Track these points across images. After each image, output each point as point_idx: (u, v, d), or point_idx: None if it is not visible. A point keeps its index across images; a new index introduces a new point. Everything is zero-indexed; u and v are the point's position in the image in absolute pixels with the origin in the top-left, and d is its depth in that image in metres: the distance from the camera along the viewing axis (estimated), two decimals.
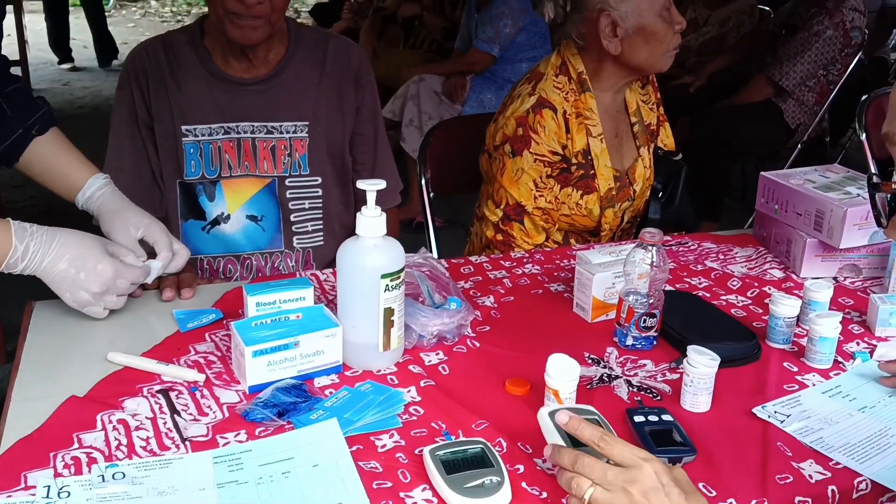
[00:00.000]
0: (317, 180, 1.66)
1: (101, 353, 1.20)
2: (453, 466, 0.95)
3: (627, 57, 1.68)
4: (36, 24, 7.74)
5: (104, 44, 7.14)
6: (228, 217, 1.65)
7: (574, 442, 0.92)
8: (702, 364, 1.10)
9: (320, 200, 1.68)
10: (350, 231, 1.73)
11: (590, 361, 1.24)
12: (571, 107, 1.71)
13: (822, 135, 4.07)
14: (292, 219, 1.68)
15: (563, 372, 1.07)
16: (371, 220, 1.16)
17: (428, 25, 4.33)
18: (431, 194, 2.14)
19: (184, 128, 1.59)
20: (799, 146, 3.79)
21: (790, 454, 1.03)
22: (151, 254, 1.36)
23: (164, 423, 1.06)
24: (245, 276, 1.68)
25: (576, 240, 1.81)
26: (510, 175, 1.70)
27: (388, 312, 1.17)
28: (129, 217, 1.35)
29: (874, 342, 1.31)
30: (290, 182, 1.65)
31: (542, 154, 1.69)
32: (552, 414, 0.96)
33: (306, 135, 1.63)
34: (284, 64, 1.62)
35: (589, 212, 1.75)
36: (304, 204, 1.68)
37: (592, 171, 1.72)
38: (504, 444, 1.03)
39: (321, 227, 1.71)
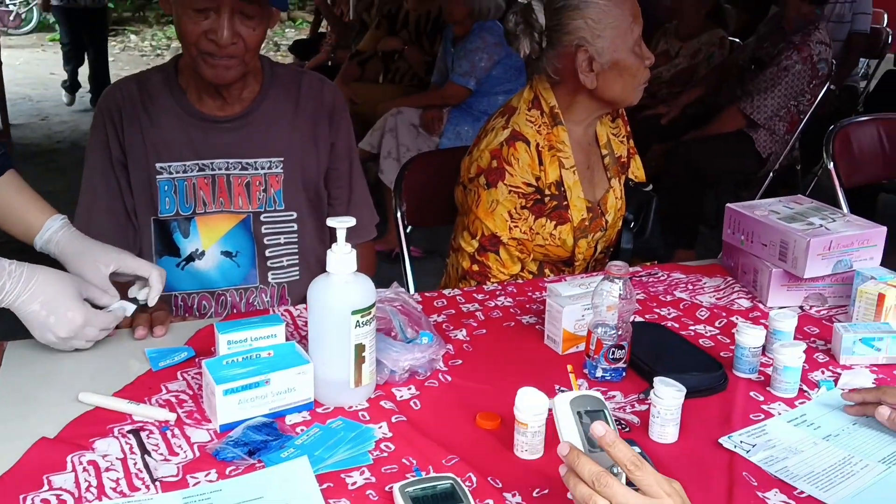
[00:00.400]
0: (292, 215, 1.68)
1: (73, 393, 1.20)
2: (423, 503, 0.96)
3: (602, 91, 1.71)
4: (15, 59, 7.75)
5: (103, 81, 6.98)
6: (203, 253, 1.66)
7: (589, 440, 0.91)
8: (668, 395, 1.11)
9: (295, 235, 1.70)
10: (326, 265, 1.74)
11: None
12: (544, 140, 1.73)
13: (794, 163, 4.15)
14: (267, 254, 1.69)
15: (531, 405, 1.08)
16: (341, 256, 1.17)
17: (410, 60, 4.39)
18: (409, 228, 2.16)
19: (158, 165, 1.60)
20: (771, 174, 3.86)
21: (755, 484, 1.05)
22: (124, 291, 1.37)
23: (135, 464, 1.06)
24: (220, 313, 1.68)
25: (550, 270, 1.83)
26: (485, 206, 1.73)
27: (360, 348, 1.18)
28: (97, 255, 1.36)
29: (839, 370, 1.33)
30: (265, 217, 1.66)
31: (517, 186, 1.71)
32: (574, 404, 0.94)
33: (281, 170, 1.65)
34: (258, 101, 1.64)
35: (563, 242, 1.77)
36: (279, 239, 1.69)
37: (566, 203, 1.75)
38: (474, 478, 1.04)
39: (297, 261, 1.72)
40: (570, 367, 1.12)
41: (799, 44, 3.59)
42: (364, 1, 5.23)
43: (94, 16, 6.88)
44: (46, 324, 1.25)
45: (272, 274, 1.70)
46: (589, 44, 1.66)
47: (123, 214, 1.63)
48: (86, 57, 7.04)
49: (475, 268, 1.75)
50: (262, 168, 1.64)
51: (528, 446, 1.09)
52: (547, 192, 1.74)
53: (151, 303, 1.38)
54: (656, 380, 1.13)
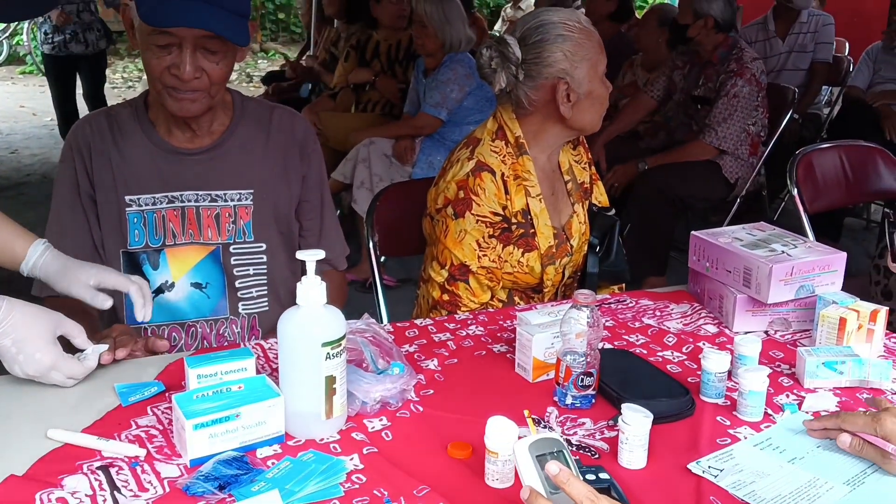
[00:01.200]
0: (261, 247, 1.68)
1: (41, 429, 1.19)
2: None
3: (574, 120, 1.76)
4: None
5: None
6: (173, 285, 1.66)
7: (549, 482, 0.94)
8: (636, 422, 1.13)
9: (265, 267, 1.70)
10: (293, 298, 1.75)
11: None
12: (509, 169, 1.76)
13: (760, 189, 4.23)
14: (237, 285, 1.69)
15: (501, 434, 1.09)
16: (311, 288, 1.18)
17: (382, 89, 4.43)
18: (382, 258, 2.17)
19: (127, 198, 1.61)
20: (738, 200, 3.93)
21: None
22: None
23: (104, 501, 1.05)
24: (190, 345, 1.68)
25: (519, 297, 1.85)
26: (453, 236, 1.75)
27: (330, 380, 1.18)
28: (77, 273, 1.39)
29: (803, 394, 1.36)
30: (234, 249, 1.67)
31: (484, 215, 1.74)
32: (533, 448, 0.98)
33: (251, 202, 1.66)
34: (228, 134, 1.66)
35: (531, 269, 1.80)
36: (248, 270, 1.69)
37: (532, 230, 1.78)
38: None
39: (266, 292, 1.72)
40: (526, 412, 1.12)
41: (737, 70, 3.71)
42: (330, 37, 5.27)
43: (90, 62, 6.08)
44: (15, 359, 1.26)
45: (242, 305, 1.70)
46: (568, 75, 1.71)
47: (90, 248, 1.63)
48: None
49: (445, 297, 1.77)
50: (232, 200, 1.65)
51: (498, 475, 1.10)
52: (514, 220, 1.76)
53: (144, 317, 1.42)
54: (624, 406, 1.15)
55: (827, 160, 2.84)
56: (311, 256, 1.19)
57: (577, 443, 1.20)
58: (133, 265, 1.64)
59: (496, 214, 1.75)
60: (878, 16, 6.13)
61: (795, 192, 2.70)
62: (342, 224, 1.89)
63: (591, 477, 1.08)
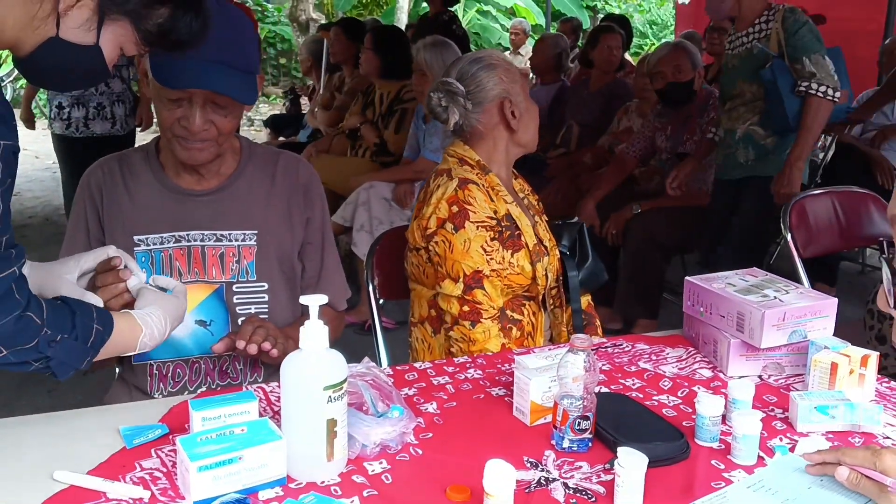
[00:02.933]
0: (263, 286, 1.72)
1: (47, 471, 1.21)
2: None
3: (521, 133, 1.97)
4: None
5: None
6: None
7: None
8: (631, 465, 1.15)
9: (266, 306, 1.73)
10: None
11: (528, 465, 1.28)
12: (485, 182, 1.91)
13: None
14: (240, 323, 1.71)
15: (499, 478, 1.11)
16: (314, 332, 1.21)
17: (364, 137, 4.52)
18: (381, 301, 2.20)
19: (136, 238, 1.66)
20: None
21: None
22: None
23: None
24: (194, 381, 1.71)
25: (512, 309, 1.91)
26: (459, 248, 1.84)
27: (332, 423, 1.20)
28: (59, 272, 1.36)
29: (796, 437, 1.38)
30: (237, 287, 1.70)
31: (482, 220, 1.86)
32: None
33: (255, 243, 1.71)
34: (235, 177, 1.72)
35: (521, 268, 1.90)
36: (250, 309, 1.72)
37: (518, 231, 1.92)
38: None
39: None
40: None
41: (716, 116, 3.78)
42: (334, 82, 5.37)
43: (116, 146, 4.61)
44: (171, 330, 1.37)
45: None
46: (509, 94, 1.93)
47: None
48: None
49: (465, 308, 1.83)
50: (236, 240, 1.70)
51: None
52: (503, 223, 1.90)
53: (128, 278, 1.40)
54: (620, 450, 1.17)
55: (820, 206, 2.89)
56: (314, 301, 1.22)
57: (574, 486, 1.22)
58: None
59: (491, 219, 1.87)
60: (870, 61, 6.25)
61: (789, 236, 2.74)
62: (342, 267, 1.92)
63: None
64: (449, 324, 1.86)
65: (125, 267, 1.40)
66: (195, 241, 1.68)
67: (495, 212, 1.89)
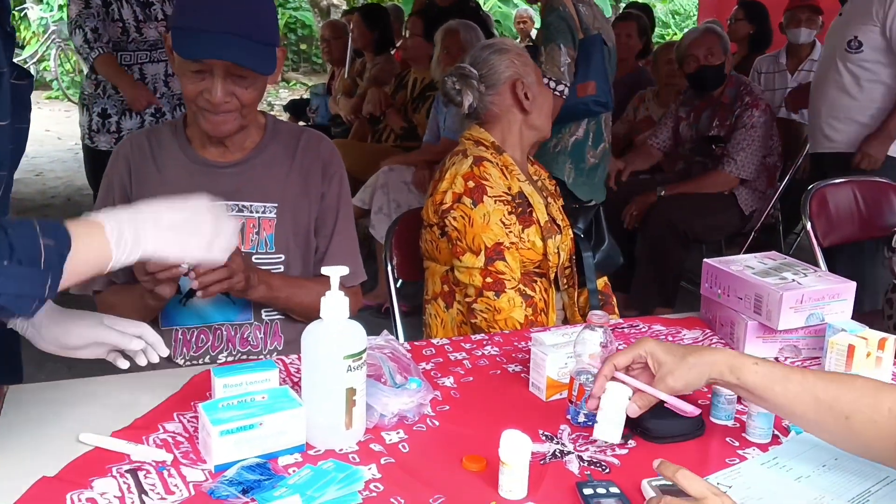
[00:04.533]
0: (280, 258, 1.75)
1: (72, 434, 1.24)
2: None
3: (535, 116, 2.01)
4: None
5: None
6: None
7: None
8: (614, 391, 1.22)
9: None
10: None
11: (544, 438, 1.30)
12: (499, 161, 1.94)
13: (775, 223, 4.26)
14: None
15: (515, 447, 1.13)
16: (335, 303, 1.23)
17: (390, 123, 4.53)
18: (399, 282, 2.22)
19: None
20: (753, 233, 3.96)
21: None
22: None
23: (132, 503, 1.10)
24: (216, 346, 1.74)
25: (525, 283, 1.92)
26: (479, 221, 1.87)
27: (351, 392, 1.23)
28: (77, 323, 1.33)
29: None
30: (256, 259, 1.73)
31: (499, 195, 1.89)
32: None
33: (274, 216, 1.74)
34: (258, 151, 1.75)
35: (532, 244, 1.93)
36: None
37: (530, 208, 1.94)
38: None
39: None
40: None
41: (752, 102, 3.78)
42: (356, 68, 5.39)
43: None
44: (189, 222, 1.25)
45: (265, 311, 1.76)
46: (521, 76, 1.99)
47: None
48: None
49: (489, 280, 1.86)
50: (257, 212, 1.73)
51: (511, 486, 1.13)
52: (516, 200, 1.93)
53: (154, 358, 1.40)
54: (609, 383, 1.24)
55: (841, 195, 2.88)
56: (335, 272, 1.24)
57: (589, 458, 1.24)
58: None
59: (506, 194, 1.90)
60: None
61: (809, 225, 2.73)
62: (361, 250, 1.93)
63: (602, 490, 1.12)
64: (472, 296, 1.89)
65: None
66: None
67: (509, 188, 1.93)
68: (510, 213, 1.90)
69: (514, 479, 1.13)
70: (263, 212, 1.73)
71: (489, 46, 2.02)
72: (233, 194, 1.72)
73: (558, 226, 2.00)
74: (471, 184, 1.87)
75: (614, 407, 1.23)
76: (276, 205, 1.74)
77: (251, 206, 1.73)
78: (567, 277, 2.02)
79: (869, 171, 3.24)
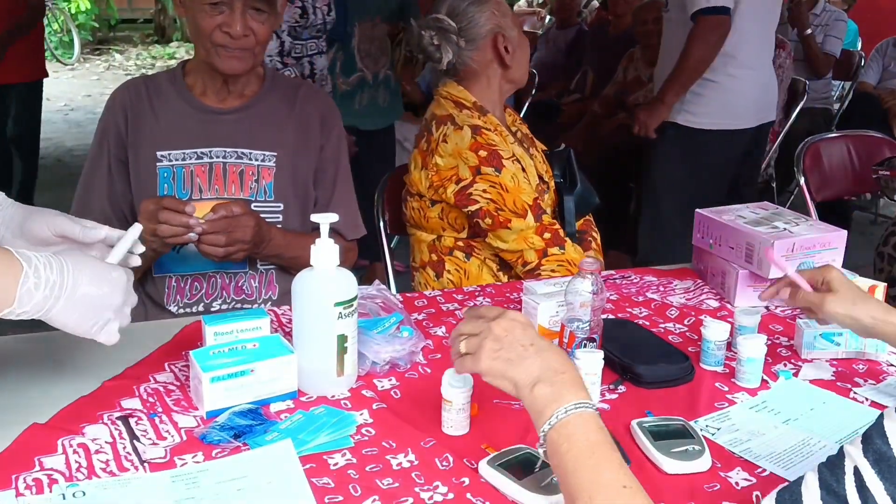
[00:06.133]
0: (279, 206, 1.74)
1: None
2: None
3: (515, 69, 1.92)
4: None
5: None
6: (197, 237, 1.70)
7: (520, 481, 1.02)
8: (587, 359, 1.22)
9: (280, 226, 1.74)
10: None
11: None
12: (488, 124, 1.87)
13: (769, 181, 4.26)
14: None
15: (456, 385, 1.15)
16: (325, 251, 1.22)
17: (409, 93, 4.48)
18: (394, 241, 2.21)
19: (159, 153, 1.69)
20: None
21: (719, 465, 1.10)
22: None
23: (124, 447, 1.10)
24: (210, 294, 1.74)
25: None
26: (511, 185, 1.79)
27: (342, 339, 1.23)
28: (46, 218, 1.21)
29: (800, 364, 1.39)
30: (254, 206, 1.70)
31: (510, 156, 1.83)
32: (494, 462, 1.06)
33: (273, 164, 1.73)
34: (258, 99, 1.75)
35: None
36: None
37: (523, 168, 1.87)
38: (451, 458, 1.09)
39: None
40: (484, 446, 1.13)
41: (777, 43, 3.70)
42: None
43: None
44: (102, 300, 1.07)
45: (260, 262, 1.75)
46: (501, 29, 1.88)
47: (109, 205, 1.71)
48: None
49: (548, 235, 1.82)
50: (256, 160, 1.72)
51: (452, 422, 1.15)
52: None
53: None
54: (579, 351, 1.24)
55: (834, 150, 2.87)
56: (324, 219, 1.23)
57: None
58: None
59: (512, 155, 1.85)
60: (891, 11, 6.14)
61: (802, 180, 2.73)
62: None
63: None
64: (535, 260, 1.81)
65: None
66: (217, 157, 1.70)
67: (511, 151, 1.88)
68: (523, 170, 1.84)
69: (455, 415, 1.15)
70: (262, 160, 1.72)
71: None
72: (232, 141, 1.71)
73: (545, 182, 1.97)
74: (482, 153, 1.79)
75: (589, 372, 1.22)
76: (274, 154, 1.73)
77: (250, 153, 1.72)
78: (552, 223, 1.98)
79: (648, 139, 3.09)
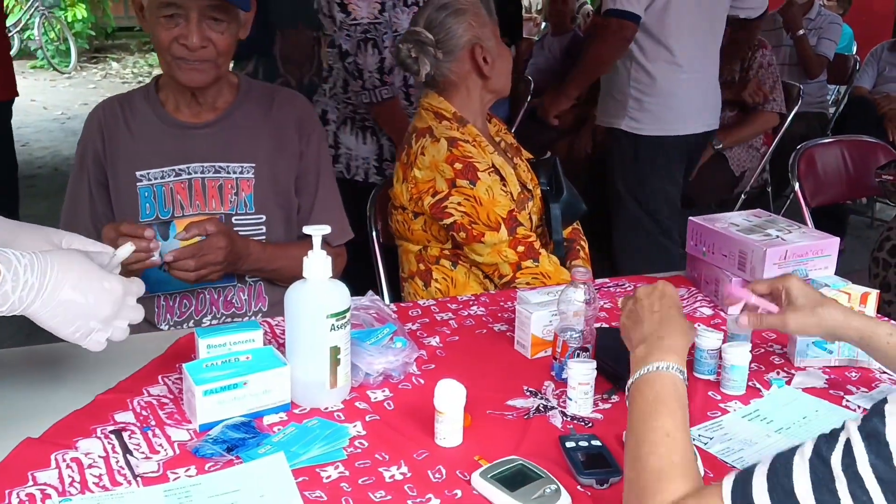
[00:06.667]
0: (261, 218, 1.73)
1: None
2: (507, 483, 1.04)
3: (495, 79, 1.91)
4: None
5: None
6: (162, 261, 1.65)
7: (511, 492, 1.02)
8: (579, 369, 1.22)
9: (264, 237, 1.73)
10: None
11: (528, 394, 1.30)
12: (466, 135, 1.87)
13: (764, 185, 4.26)
14: None
15: (449, 396, 1.14)
16: (318, 262, 1.22)
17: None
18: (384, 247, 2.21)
19: (138, 173, 1.67)
20: (743, 196, 3.96)
21: (712, 475, 1.10)
22: None
23: (117, 462, 1.10)
24: (200, 310, 1.73)
25: None
26: (485, 197, 1.79)
27: (335, 351, 1.23)
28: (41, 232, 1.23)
29: (793, 372, 1.40)
30: (236, 220, 1.71)
31: (487, 168, 1.83)
32: (487, 473, 1.06)
33: (252, 175, 1.71)
34: (232, 110, 1.73)
35: None
36: None
37: (503, 180, 1.87)
38: (443, 470, 1.09)
39: None
40: (477, 457, 1.13)
41: (759, 44, 3.81)
42: None
43: None
44: (87, 308, 1.06)
45: (248, 274, 1.74)
46: (479, 40, 1.87)
47: (92, 223, 1.68)
48: None
49: (521, 249, 1.81)
50: (235, 172, 1.71)
51: (445, 434, 1.15)
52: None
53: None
54: (571, 361, 1.25)
55: (829, 155, 2.88)
56: (317, 231, 1.23)
57: (573, 414, 1.24)
58: None
59: (491, 166, 1.85)
60: (885, 16, 6.16)
61: (797, 185, 2.74)
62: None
63: (584, 443, 1.13)
64: (510, 273, 1.82)
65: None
66: (195, 173, 1.69)
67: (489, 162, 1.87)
68: (501, 180, 1.85)
69: (448, 427, 1.14)
70: (241, 172, 1.71)
71: (445, 7, 1.87)
72: (208, 155, 1.70)
73: (529, 191, 1.96)
74: (458, 165, 1.79)
75: (581, 383, 1.24)
76: (253, 164, 1.71)
77: (228, 166, 1.71)
78: (540, 236, 1.98)
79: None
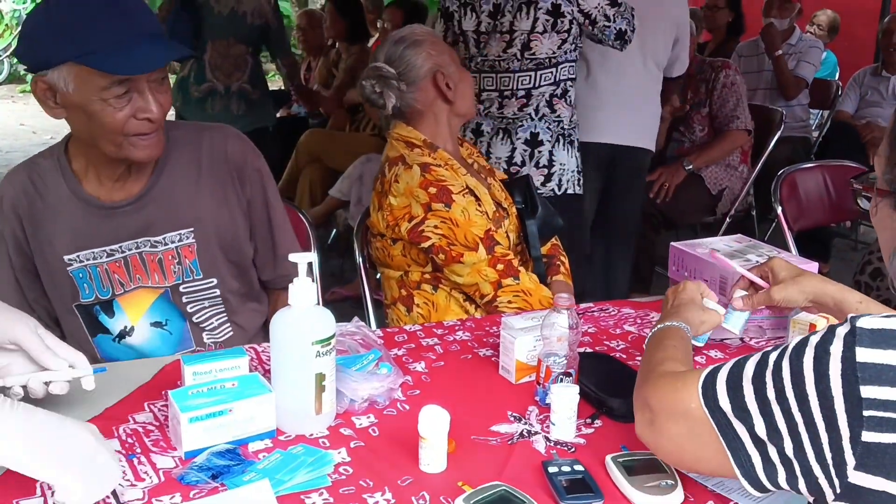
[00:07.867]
0: (212, 281, 1.65)
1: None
2: None
3: (459, 103, 1.96)
4: None
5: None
6: (133, 329, 1.64)
7: None
8: (563, 393, 1.24)
9: (220, 299, 1.68)
10: (256, 318, 1.72)
11: (512, 419, 1.32)
12: (438, 160, 1.90)
13: (749, 209, 4.30)
14: (195, 319, 1.67)
15: (433, 422, 1.15)
16: (302, 289, 1.24)
17: (369, 114, 4.53)
18: (378, 275, 2.22)
19: (66, 258, 1.57)
20: (728, 220, 4.00)
21: (692, 499, 1.11)
22: None
23: None
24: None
25: None
26: (461, 219, 1.82)
27: (320, 377, 1.24)
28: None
29: None
30: (184, 288, 1.63)
31: (461, 189, 1.86)
32: (470, 499, 1.07)
33: (193, 241, 1.61)
34: (157, 175, 1.59)
35: None
36: (203, 304, 1.67)
37: (478, 200, 1.90)
38: (427, 497, 1.10)
39: (226, 320, 1.70)
40: (460, 483, 1.14)
41: (722, 65, 3.90)
42: (332, 58, 5.37)
43: None
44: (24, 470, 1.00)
45: (206, 335, 1.69)
46: (440, 66, 1.92)
47: (20, 304, 1.57)
48: None
49: (501, 267, 1.84)
50: (173, 242, 1.60)
51: (429, 460, 1.16)
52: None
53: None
54: (554, 386, 1.26)
55: (810, 179, 2.91)
56: (302, 259, 1.25)
57: (555, 439, 1.26)
58: (89, 316, 1.63)
59: (465, 187, 1.88)
60: (868, 42, 6.25)
61: (780, 209, 2.77)
62: (339, 242, 1.93)
63: (566, 468, 1.14)
64: (491, 293, 1.84)
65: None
66: (129, 250, 1.58)
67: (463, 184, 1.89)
68: (476, 200, 1.87)
69: (432, 453, 1.15)
70: (180, 240, 1.60)
71: (402, 41, 1.92)
72: (140, 231, 1.58)
73: (504, 209, 1.98)
74: (432, 190, 1.82)
75: (565, 408, 1.25)
76: (192, 230, 1.60)
77: (164, 238, 1.59)
78: (520, 254, 2.00)
79: None
